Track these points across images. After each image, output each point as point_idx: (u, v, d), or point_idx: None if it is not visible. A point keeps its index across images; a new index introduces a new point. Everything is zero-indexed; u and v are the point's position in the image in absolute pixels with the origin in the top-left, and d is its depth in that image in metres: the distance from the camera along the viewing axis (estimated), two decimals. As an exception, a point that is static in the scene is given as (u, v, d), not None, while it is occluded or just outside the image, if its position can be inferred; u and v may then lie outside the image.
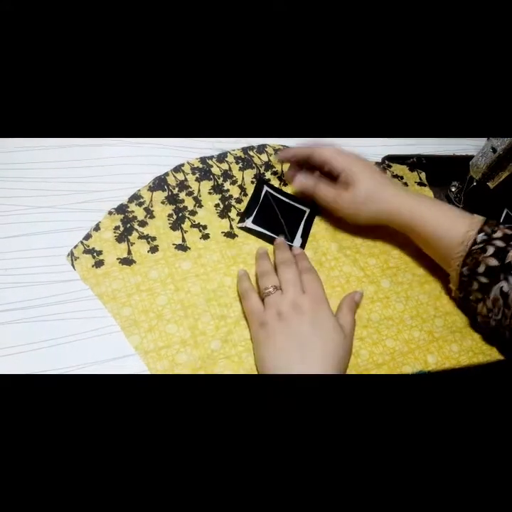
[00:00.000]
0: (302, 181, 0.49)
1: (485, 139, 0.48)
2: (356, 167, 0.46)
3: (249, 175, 0.54)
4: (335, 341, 0.39)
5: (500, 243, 0.41)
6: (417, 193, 0.47)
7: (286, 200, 0.52)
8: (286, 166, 0.55)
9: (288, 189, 0.54)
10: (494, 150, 0.47)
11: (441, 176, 0.58)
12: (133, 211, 0.48)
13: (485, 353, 0.46)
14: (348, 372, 0.42)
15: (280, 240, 0.48)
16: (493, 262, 0.40)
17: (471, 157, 0.50)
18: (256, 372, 0.40)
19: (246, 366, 0.41)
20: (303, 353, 0.37)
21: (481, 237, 0.41)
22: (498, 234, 0.41)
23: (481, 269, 0.41)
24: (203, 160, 0.54)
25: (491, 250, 0.40)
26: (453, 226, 0.43)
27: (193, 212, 0.50)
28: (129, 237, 0.47)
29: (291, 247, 0.48)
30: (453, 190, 0.55)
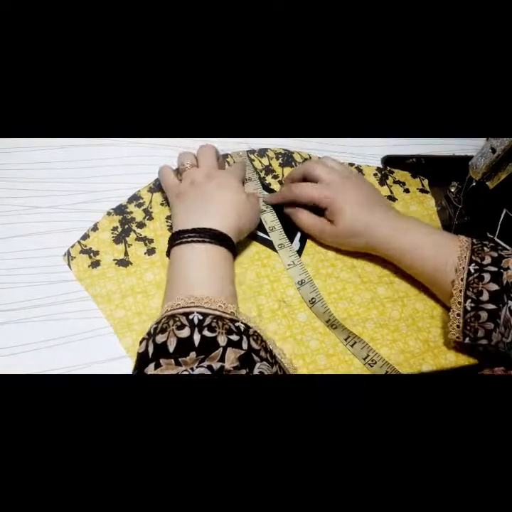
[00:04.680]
0: (286, 209, 0.51)
1: (484, 139, 0.48)
2: (341, 198, 0.46)
3: (249, 178, 0.53)
4: (239, 199, 0.44)
5: (492, 268, 0.41)
6: (405, 218, 0.47)
7: (286, 205, 0.52)
8: (286, 170, 0.55)
9: (288, 193, 0.53)
10: (493, 150, 0.46)
11: (440, 176, 0.57)
12: (132, 212, 0.49)
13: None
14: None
15: None
16: (494, 287, 0.40)
17: (471, 157, 0.50)
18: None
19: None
20: (206, 208, 0.43)
21: (473, 267, 0.41)
22: (487, 260, 0.41)
23: (485, 296, 0.40)
24: (203, 162, 0.54)
25: (487, 277, 0.41)
26: (443, 259, 0.43)
27: (192, 215, 0.50)
28: (127, 238, 0.47)
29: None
30: (452, 190, 0.55)
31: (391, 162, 0.59)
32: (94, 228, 0.47)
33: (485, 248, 0.42)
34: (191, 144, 0.55)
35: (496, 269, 0.41)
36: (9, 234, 0.46)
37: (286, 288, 0.46)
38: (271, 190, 0.53)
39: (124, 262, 0.45)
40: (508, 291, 0.40)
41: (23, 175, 0.49)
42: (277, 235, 0.49)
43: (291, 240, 0.49)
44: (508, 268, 0.41)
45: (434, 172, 0.58)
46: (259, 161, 0.55)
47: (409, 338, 0.45)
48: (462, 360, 0.45)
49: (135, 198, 0.50)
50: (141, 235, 0.47)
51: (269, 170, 0.55)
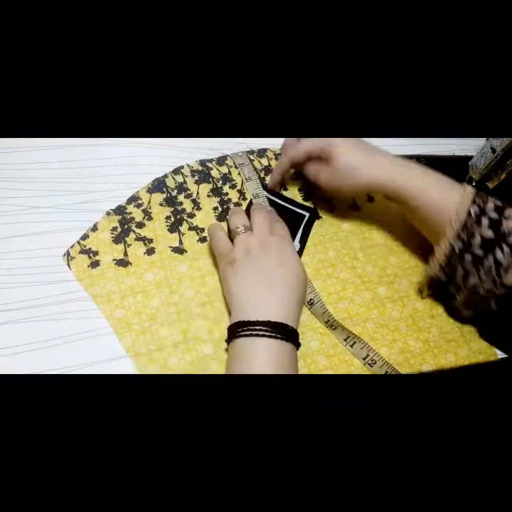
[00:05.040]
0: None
1: (484, 139, 0.48)
2: (334, 142, 0.46)
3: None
4: (298, 276, 0.42)
5: (494, 215, 0.41)
6: (405, 161, 0.46)
7: (285, 205, 0.52)
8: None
9: (288, 194, 0.53)
10: (493, 150, 0.47)
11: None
12: (131, 212, 0.49)
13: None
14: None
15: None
16: (489, 234, 0.40)
17: (471, 157, 0.50)
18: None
19: (237, 371, 0.40)
20: (270, 287, 0.40)
21: (474, 209, 0.41)
22: (491, 205, 0.41)
23: (477, 240, 0.40)
24: (202, 163, 0.54)
25: (486, 222, 0.40)
26: (445, 199, 0.43)
27: (191, 215, 0.50)
28: (126, 238, 0.47)
29: None
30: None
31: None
32: (94, 228, 0.47)
33: (489, 196, 0.42)
34: (191, 144, 0.55)
35: (497, 215, 0.41)
36: (8, 234, 0.46)
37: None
38: (271, 191, 0.53)
39: (123, 262, 0.45)
40: (502, 240, 0.40)
41: (22, 175, 0.49)
42: None
43: (292, 240, 0.49)
44: (510, 217, 0.40)
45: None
46: (259, 162, 0.55)
47: (409, 338, 0.45)
48: (462, 359, 0.45)
49: (134, 199, 0.50)
50: (140, 235, 0.47)
51: (268, 170, 0.55)
